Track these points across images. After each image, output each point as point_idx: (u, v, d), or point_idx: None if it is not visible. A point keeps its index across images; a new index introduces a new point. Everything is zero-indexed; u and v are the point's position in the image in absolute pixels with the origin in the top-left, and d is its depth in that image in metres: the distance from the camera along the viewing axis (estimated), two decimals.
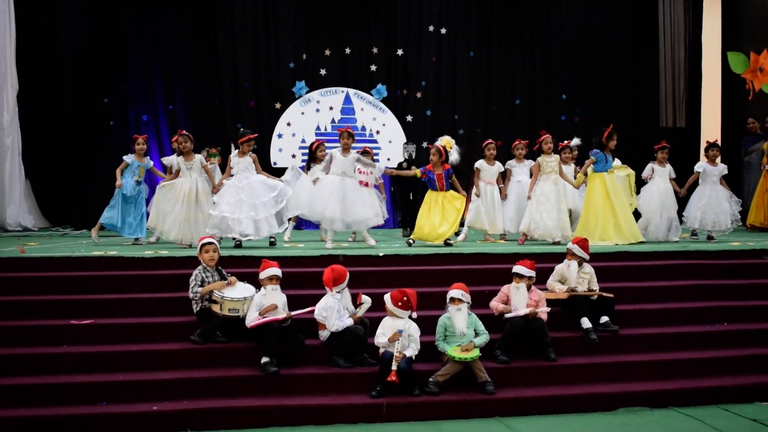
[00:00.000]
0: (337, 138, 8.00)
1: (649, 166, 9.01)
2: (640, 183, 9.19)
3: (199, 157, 7.93)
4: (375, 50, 13.30)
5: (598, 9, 14.11)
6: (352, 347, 5.33)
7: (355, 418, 4.90)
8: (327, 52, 13.16)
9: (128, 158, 8.74)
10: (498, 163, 9.05)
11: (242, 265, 6.23)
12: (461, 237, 8.57)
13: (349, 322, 5.40)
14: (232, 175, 7.64)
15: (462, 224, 8.44)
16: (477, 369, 5.15)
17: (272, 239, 8.01)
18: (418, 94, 13.46)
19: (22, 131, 11.53)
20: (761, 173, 10.84)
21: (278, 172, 10.20)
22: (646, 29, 14.12)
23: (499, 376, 5.23)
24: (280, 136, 12.72)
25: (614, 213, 8.12)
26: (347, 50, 13.23)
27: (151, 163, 9.04)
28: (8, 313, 5.63)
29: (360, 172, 8.45)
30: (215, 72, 12.88)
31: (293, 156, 12.44)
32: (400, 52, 13.36)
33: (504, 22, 13.81)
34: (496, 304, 5.77)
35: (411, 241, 7.99)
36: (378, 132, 12.97)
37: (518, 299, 5.65)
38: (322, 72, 13.11)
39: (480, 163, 8.98)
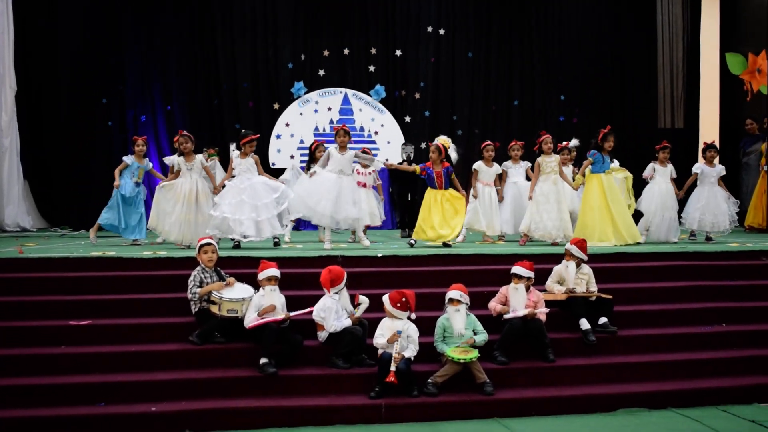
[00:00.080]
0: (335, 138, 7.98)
1: (651, 165, 9.01)
2: (640, 183, 9.20)
3: (199, 158, 7.92)
4: (373, 51, 13.31)
5: (597, 10, 14.13)
6: (350, 348, 5.33)
7: (354, 418, 4.90)
8: (325, 53, 13.16)
9: (128, 159, 8.73)
10: (496, 165, 9.05)
11: (241, 266, 6.22)
12: (460, 238, 8.56)
13: (348, 322, 5.39)
14: (233, 176, 7.64)
15: None
16: (476, 370, 5.15)
17: (276, 239, 7.99)
18: (417, 95, 13.47)
19: (21, 132, 11.51)
20: (759, 174, 10.86)
21: (277, 173, 10.20)
22: (644, 30, 14.13)
23: (497, 377, 5.23)
24: (278, 136, 12.71)
25: (612, 214, 8.13)
26: (346, 51, 13.24)
27: (150, 164, 9.03)
28: (7, 314, 5.62)
29: (358, 173, 8.46)
30: (214, 72, 12.88)
31: (292, 157, 12.44)
32: (398, 52, 13.36)
33: (502, 23, 13.82)
34: (494, 305, 5.76)
35: (413, 241, 7.98)
36: (376, 133, 12.97)
37: (517, 300, 5.65)
38: (321, 72, 13.11)
39: (478, 165, 8.98)
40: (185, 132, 7.99)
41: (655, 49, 14.16)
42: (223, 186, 7.70)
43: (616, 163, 9.38)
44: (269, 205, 7.50)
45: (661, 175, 8.88)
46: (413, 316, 5.34)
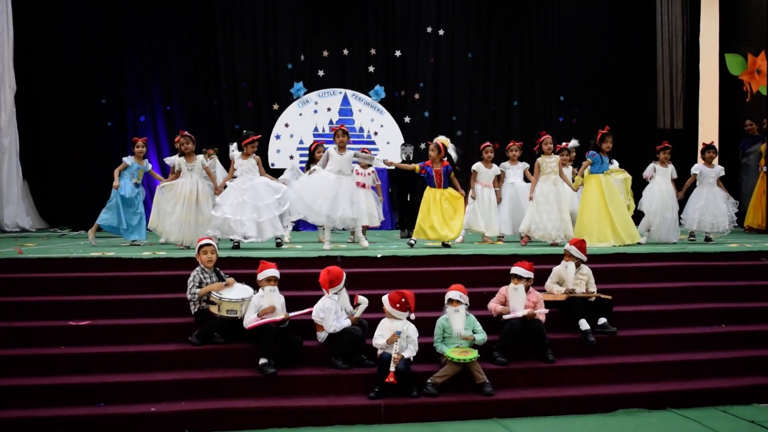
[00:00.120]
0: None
1: (651, 165, 8.99)
2: (640, 183, 9.19)
3: (200, 158, 7.91)
4: (373, 51, 13.31)
5: (596, 10, 14.14)
6: (350, 348, 5.33)
7: (353, 419, 4.90)
8: (325, 53, 13.17)
9: (128, 159, 8.72)
10: (495, 166, 9.05)
11: (240, 267, 6.22)
12: (459, 239, 8.56)
13: (347, 323, 5.39)
14: (235, 177, 7.64)
15: None
16: (475, 370, 5.15)
17: (278, 240, 7.98)
18: (416, 96, 13.47)
19: (20, 132, 11.50)
20: (759, 175, 10.87)
21: (276, 173, 10.20)
22: (643, 30, 14.14)
23: (497, 377, 5.24)
24: (278, 137, 12.71)
25: (610, 214, 8.13)
26: (345, 51, 13.24)
27: (150, 166, 9.03)
28: (6, 314, 5.61)
29: (357, 173, 8.46)
30: (213, 73, 12.88)
31: (291, 157, 12.44)
32: (398, 53, 13.37)
33: (502, 24, 13.83)
34: (494, 305, 5.77)
35: (413, 241, 7.98)
36: (376, 133, 12.97)
37: (516, 300, 5.66)
38: (320, 73, 13.11)
39: (477, 166, 8.98)
40: (186, 132, 7.97)
41: (655, 50, 14.18)
42: (225, 186, 7.70)
43: (615, 164, 9.38)
44: (271, 206, 7.50)
45: (661, 176, 8.87)
46: (413, 316, 5.34)
